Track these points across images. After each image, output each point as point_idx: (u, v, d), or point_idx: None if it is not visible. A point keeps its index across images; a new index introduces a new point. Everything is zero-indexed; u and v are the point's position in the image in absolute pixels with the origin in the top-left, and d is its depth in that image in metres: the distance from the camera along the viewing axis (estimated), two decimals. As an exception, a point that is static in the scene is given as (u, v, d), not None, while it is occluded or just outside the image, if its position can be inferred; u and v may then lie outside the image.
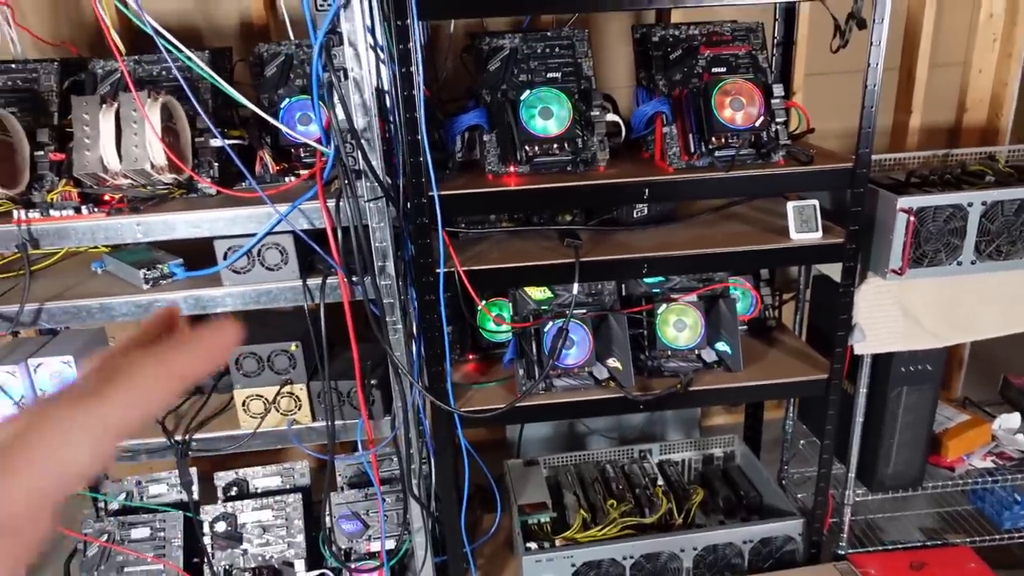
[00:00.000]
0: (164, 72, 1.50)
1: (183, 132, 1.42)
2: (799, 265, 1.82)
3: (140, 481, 1.86)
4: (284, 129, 1.38)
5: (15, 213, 1.33)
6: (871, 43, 1.34)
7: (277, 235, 1.39)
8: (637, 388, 1.57)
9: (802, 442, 1.99)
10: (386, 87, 1.39)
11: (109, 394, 0.33)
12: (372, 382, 1.48)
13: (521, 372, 1.55)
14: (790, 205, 1.49)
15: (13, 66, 1.47)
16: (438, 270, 1.41)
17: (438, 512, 1.69)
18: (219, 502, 1.79)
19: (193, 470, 1.82)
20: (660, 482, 1.93)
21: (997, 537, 1.84)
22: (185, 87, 1.29)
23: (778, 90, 1.44)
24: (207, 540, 1.75)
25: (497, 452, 2.24)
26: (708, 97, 1.40)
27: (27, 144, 1.37)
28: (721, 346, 1.60)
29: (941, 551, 1.75)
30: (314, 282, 1.41)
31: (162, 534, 1.77)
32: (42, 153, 1.39)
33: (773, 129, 1.44)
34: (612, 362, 1.55)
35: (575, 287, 1.47)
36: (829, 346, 1.56)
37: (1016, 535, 1.84)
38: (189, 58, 1.30)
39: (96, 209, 1.36)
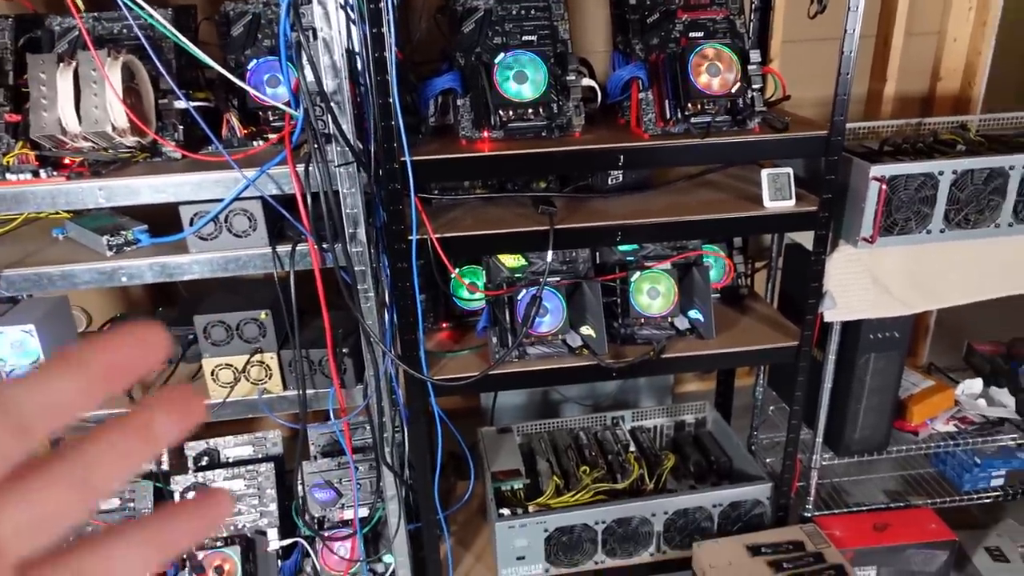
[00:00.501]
0: (125, 30, 1.44)
1: (146, 93, 1.37)
2: (772, 233, 1.83)
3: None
4: (251, 91, 1.34)
5: (-31, 177, 1.28)
6: (848, 8, 1.33)
7: (245, 201, 1.36)
8: (610, 356, 1.57)
9: (771, 408, 2.02)
10: (357, 48, 1.35)
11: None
12: (344, 350, 1.47)
13: (495, 340, 1.54)
14: (764, 173, 1.49)
15: (-37, 22, 1.41)
16: (410, 237, 1.39)
17: (411, 480, 1.70)
18: (190, 472, 1.78)
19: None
20: (632, 448, 1.95)
21: (957, 498, 1.89)
22: (147, 46, 1.24)
23: (755, 56, 1.43)
24: (178, 509, 1.73)
25: (471, 420, 2.25)
26: (685, 62, 1.38)
27: (-20, 104, 1.32)
28: (694, 314, 1.61)
29: (903, 512, 1.79)
30: (284, 249, 1.38)
31: (132, 505, 1.75)
32: (-3, 114, 1.34)
33: (749, 96, 1.43)
34: (585, 330, 1.55)
35: (549, 255, 1.46)
36: (800, 314, 1.58)
37: (975, 496, 1.90)
38: (151, 15, 1.24)
39: (55, 173, 1.32)
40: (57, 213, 1.53)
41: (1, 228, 1.52)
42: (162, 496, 1.75)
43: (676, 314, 1.58)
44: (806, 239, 1.56)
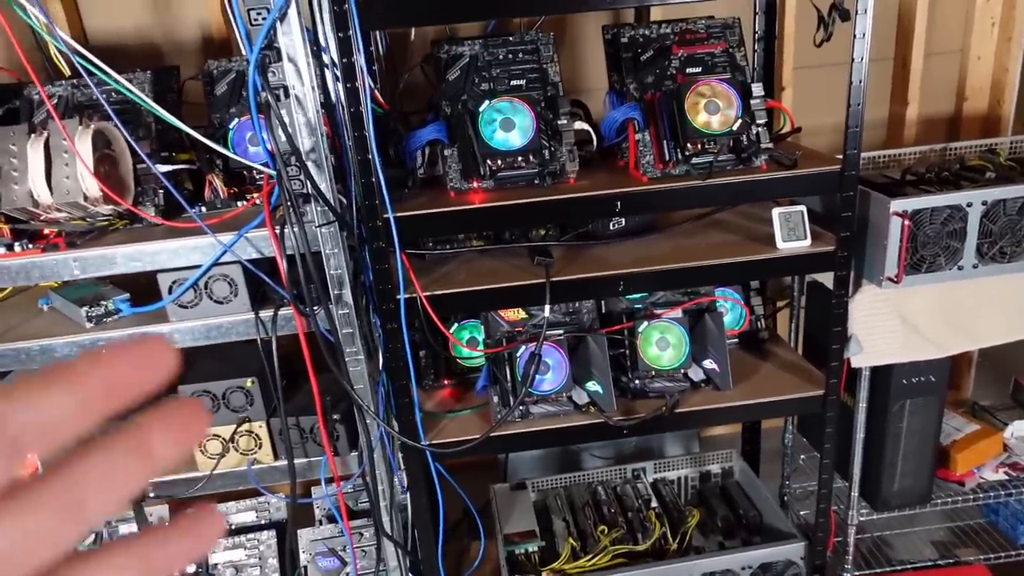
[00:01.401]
0: (107, 95, 1.41)
1: (123, 159, 1.33)
2: (788, 276, 1.72)
3: (110, 521, 1.77)
4: (225, 152, 1.29)
5: (-57, 253, 1.25)
6: (854, 35, 1.24)
7: (225, 266, 1.30)
8: (620, 412, 1.47)
9: (803, 457, 1.89)
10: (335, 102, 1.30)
11: None
12: (335, 417, 1.39)
13: (495, 399, 1.46)
14: (776, 212, 1.39)
15: (-57, 95, 1.39)
16: (399, 296, 1.32)
17: (417, 545, 1.60)
18: (190, 542, 1.71)
19: (165, 507, 1.75)
20: (654, 503, 1.83)
21: (1013, 553, 1.73)
22: (112, 113, 1.20)
23: (757, 89, 1.34)
24: (177, 584, 1.67)
25: (485, 473, 2.15)
26: (681, 100, 1.30)
27: (-44, 178, 1.29)
28: (708, 363, 1.50)
29: (954, 571, 1.64)
30: (267, 314, 1.32)
31: None
32: (-26, 187, 1.31)
33: (753, 132, 1.34)
34: (592, 385, 1.45)
35: (546, 310, 1.37)
36: (826, 358, 1.46)
37: (1034, 549, 1.74)
38: (117, 81, 1.21)
39: (31, 245, 1.28)
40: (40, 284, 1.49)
41: (-11, 300, 1.49)
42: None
43: (689, 365, 1.48)
44: (828, 278, 1.45)
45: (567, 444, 1.95)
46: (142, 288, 1.40)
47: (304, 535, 1.70)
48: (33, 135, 1.25)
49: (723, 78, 1.33)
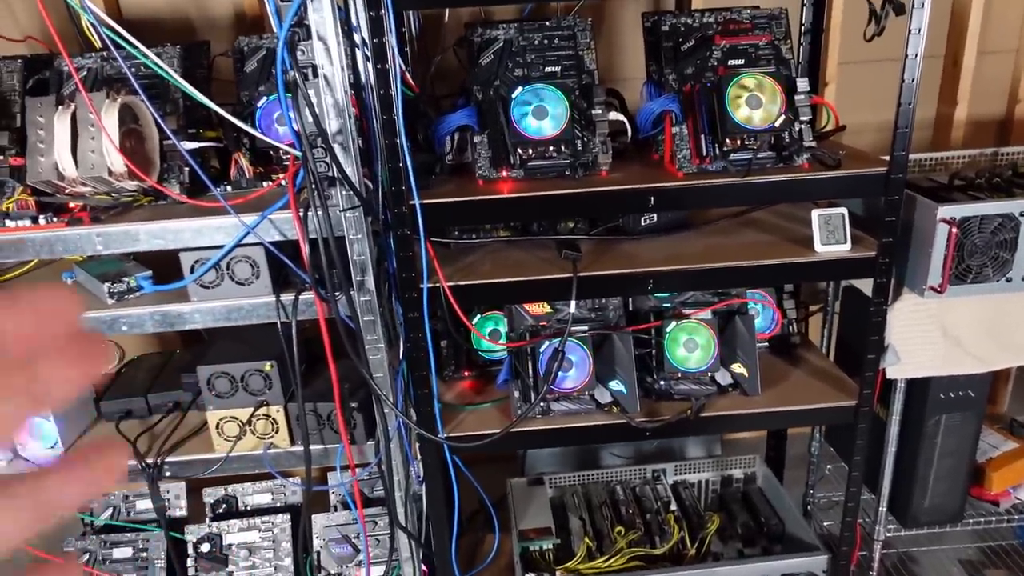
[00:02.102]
0: (135, 69, 1.39)
1: (150, 135, 1.31)
2: (825, 281, 1.66)
3: (128, 496, 1.78)
4: (251, 131, 1.27)
5: (-32, 223, 1.24)
6: (909, 31, 1.17)
7: (247, 247, 1.28)
8: (644, 413, 1.43)
9: (829, 467, 1.84)
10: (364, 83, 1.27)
11: None
12: (353, 405, 1.37)
13: (516, 394, 1.43)
14: (815, 213, 1.34)
15: (-27, 64, 1.38)
16: (422, 285, 1.29)
17: (430, 537, 1.58)
18: (206, 520, 1.71)
19: (182, 484, 1.75)
20: (673, 506, 1.79)
21: (1047, 577, 1.67)
22: (138, 88, 1.18)
23: (802, 84, 1.29)
24: (191, 562, 1.67)
25: (502, 465, 2.12)
26: (722, 93, 1.25)
27: (-16, 148, 1.28)
28: (737, 368, 1.45)
29: (983, 592, 1.59)
30: (288, 297, 1.30)
31: (144, 554, 1.69)
32: (2, 158, 1.30)
33: (796, 129, 1.29)
34: (615, 384, 1.41)
35: (572, 306, 1.33)
36: (859, 367, 1.41)
37: (1068, 574, 1.67)
38: (145, 55, 1.19)
39: (55, 219, 1.27)
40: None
41: (14, 271, 1.49)
42: (176, 546, 1.69)
43: (716, 368, 1.43)
44: (865, 283, 1.39)
45: (588, 443, 1.92)
46: (169, 265, 1.39)
47: (318, 520, 1.69)
48: (61, 107, 1.24)
49: (767, 71, 1.28)
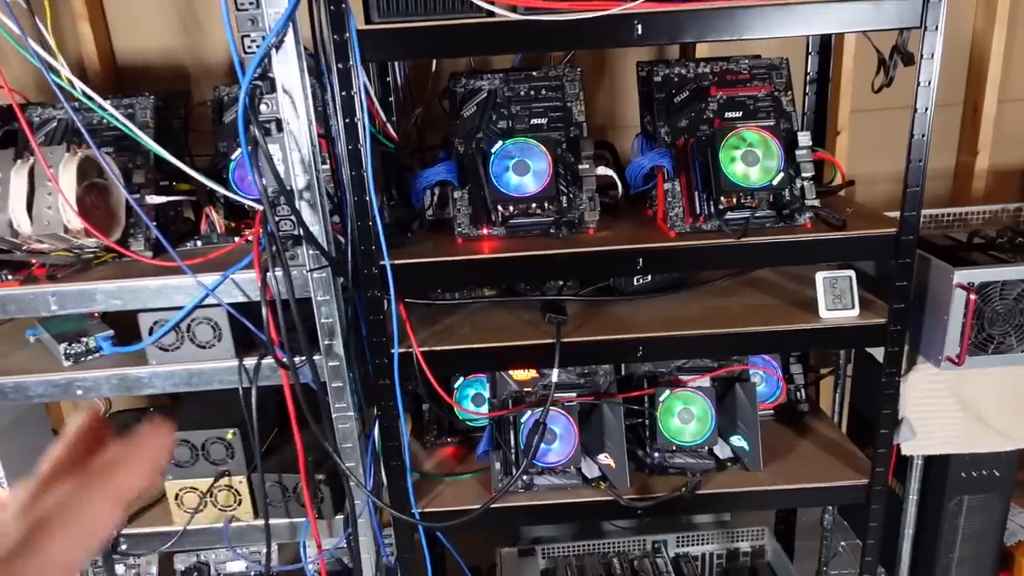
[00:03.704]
0: (104, 121, 1.34)
1: (115, 188, 1.25)
2: (831, 349, 1.55)
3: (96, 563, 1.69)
4: (215, 187, 1.20)
5: (-81, 281, 1.18)
6: (918, 83, 1.09)
7: (210, 308, 1.21)
8: (635, 488, 1.32)
9: (842, 544, 1.70)
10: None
11: (46, 543, 0.33)
12: (320, 477, 1.28)
13: (497, 467, 1.32)
14: (820, 276, 1.24)
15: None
16: (393, 350, 1.20)
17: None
18: (176, 588, 1.61)
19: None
20: (674, 583, 1.67)
21: (1086, 673, 1.51)
22: (90, 142, 1.12)
23: (804, 139, 1.20)
24: (155, 637, 1.57)
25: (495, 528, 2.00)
26: (716, 149, 1.17)
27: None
28: (737, 440, 1.34)
29: None
30: (252, 362, 1.22)
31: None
32: (-37, 212, 1.25)
33: (798, 186, 1.20)
34: (604, 458, 1.31)
35: (555, 373, 1.24)
36: (873, 444, 1.29)
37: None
38: (103, 108, 1.13)
39: (10, 276, 1.21)
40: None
41: (-21, 327, 1.43)
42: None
43: (715, 441, 1.32)
44: (878, 350, 1.28)
45: (573, 521, 1.80)
46: (133, 323, 1.32)
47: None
48: (19, 160, 1.18)
49: (765, 125, 1.19)
